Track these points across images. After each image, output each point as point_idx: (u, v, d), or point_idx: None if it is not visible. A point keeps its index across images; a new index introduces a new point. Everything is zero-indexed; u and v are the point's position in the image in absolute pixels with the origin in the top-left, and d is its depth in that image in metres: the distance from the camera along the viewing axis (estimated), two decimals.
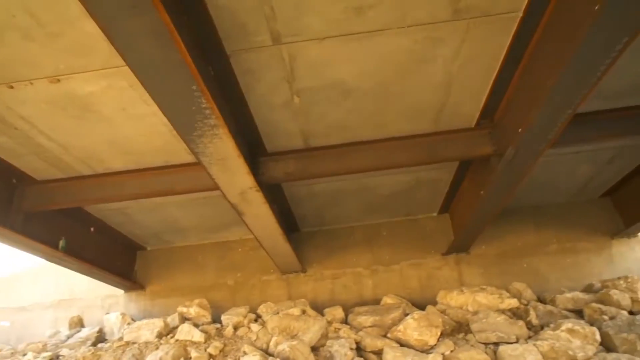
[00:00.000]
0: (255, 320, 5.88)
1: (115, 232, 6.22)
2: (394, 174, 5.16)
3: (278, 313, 5.70)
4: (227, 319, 5.87)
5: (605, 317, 5.12)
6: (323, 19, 2.87)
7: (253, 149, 4.21)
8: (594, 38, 2.50)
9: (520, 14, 2.99)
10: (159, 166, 4.53)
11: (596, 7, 2.31)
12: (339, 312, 5.90)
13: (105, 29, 2.21)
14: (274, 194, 5.00)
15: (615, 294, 5.42)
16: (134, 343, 5.63)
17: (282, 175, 4.31)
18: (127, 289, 6.82)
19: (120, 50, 2.35)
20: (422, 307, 5.89)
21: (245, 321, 5.82)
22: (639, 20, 2.40)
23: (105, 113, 3.65)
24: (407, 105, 3.89)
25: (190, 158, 4.35)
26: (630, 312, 5.30)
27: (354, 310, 5.90)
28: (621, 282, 5.63)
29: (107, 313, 6.56)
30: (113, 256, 6.30)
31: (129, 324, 6.13)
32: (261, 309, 6.10)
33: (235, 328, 5.72)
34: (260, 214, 4.53)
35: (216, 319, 6.08)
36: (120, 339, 5.86)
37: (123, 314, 6.35)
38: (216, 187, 4.00)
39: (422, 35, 3.10)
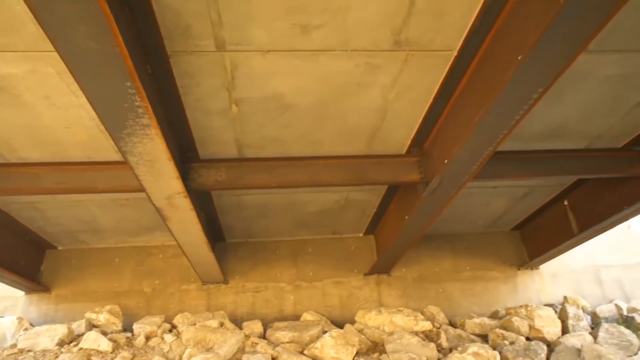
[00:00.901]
0: (170, 331, 5.64)
1: (22, 227, 5.69)
2: (324, 192, 5.25)
3: (195, 324, 5.51)
4: (140, 328, 5.58)
5: (507, 342, 5.52)
6: (269, 32, 2.89)
7: (185, 153, 4.10)
8: (516, 84, 2.75)
9: (455, 53, 3.20)
10: (81, 161, 4.24)
11: (519, 57, 2.55)
12: (257, 326, 5.82)
13: (35, 11, 2.06)
14: (202, 201, 4.88)
15: (516, 321, 5.87)
16: (29, 351, 5.16)
17: (213, 183, 4.22)
18: (28, 291, 6.25)
19: (51, 36, 2.19)
20: (341, 326, 5.98)
21: (159, 331, 5.56)
22: (553, 74, 2.69)
23: (25, 99, 3.38)
24: (343, 126, 3.99)
25: (116, 156, 4.14)
26: (527, 338, 5.78)
27: (273, 325, 5.85)
28: (522, 310, 6.10)
29: (2, 317, 5.97)
30: (16, 254, 5.76)
31: (26, 329, 5.62)
32: (177, 319, 5.87)
33: (148, 338, 5.45)
34: (185, 220, 4.40)
35: (128, 328, 5.76)
36: (14, 345, 5.34)
37: (20, 318, 5.81)
38: (141, 189, 3.82)
39: (363, 61, 3.21)
